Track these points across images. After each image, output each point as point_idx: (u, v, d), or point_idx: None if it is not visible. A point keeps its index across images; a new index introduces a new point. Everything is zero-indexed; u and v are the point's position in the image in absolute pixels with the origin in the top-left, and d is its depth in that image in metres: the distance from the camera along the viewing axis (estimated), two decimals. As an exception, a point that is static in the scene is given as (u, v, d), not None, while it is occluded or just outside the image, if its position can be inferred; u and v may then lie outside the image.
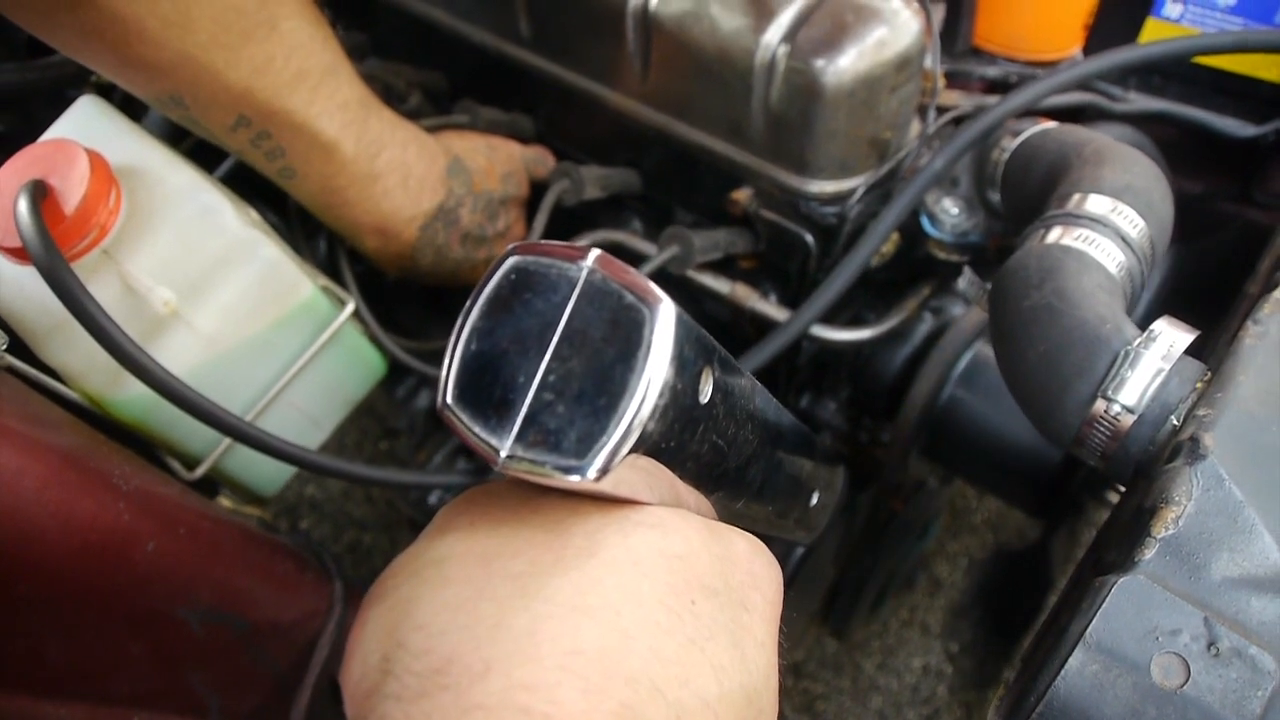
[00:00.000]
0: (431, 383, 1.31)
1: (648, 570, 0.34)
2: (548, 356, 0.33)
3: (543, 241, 0.35)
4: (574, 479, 0.31)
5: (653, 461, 0.34)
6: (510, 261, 0.35)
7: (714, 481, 0.40)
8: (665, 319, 0.32)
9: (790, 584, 0.98)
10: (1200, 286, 1.05)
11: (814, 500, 0.56)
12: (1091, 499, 1.08)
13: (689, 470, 0.37)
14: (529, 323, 0.34)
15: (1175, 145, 1.04)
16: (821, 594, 1.14)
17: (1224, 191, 1.14)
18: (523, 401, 0.33)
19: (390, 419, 1.76)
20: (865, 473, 1.04)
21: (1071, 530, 1.26)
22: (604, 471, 0.31)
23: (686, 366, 0.33)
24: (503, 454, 0.32)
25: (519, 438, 0.32)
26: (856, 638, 1.61)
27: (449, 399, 0.34)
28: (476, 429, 0.33)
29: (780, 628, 0.41)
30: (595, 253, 0.34)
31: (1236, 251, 0.90)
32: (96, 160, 0.68)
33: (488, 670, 0.30)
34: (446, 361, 0.35)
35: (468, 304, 0.35)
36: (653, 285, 0.33)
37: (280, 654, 0.78)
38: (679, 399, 0.33)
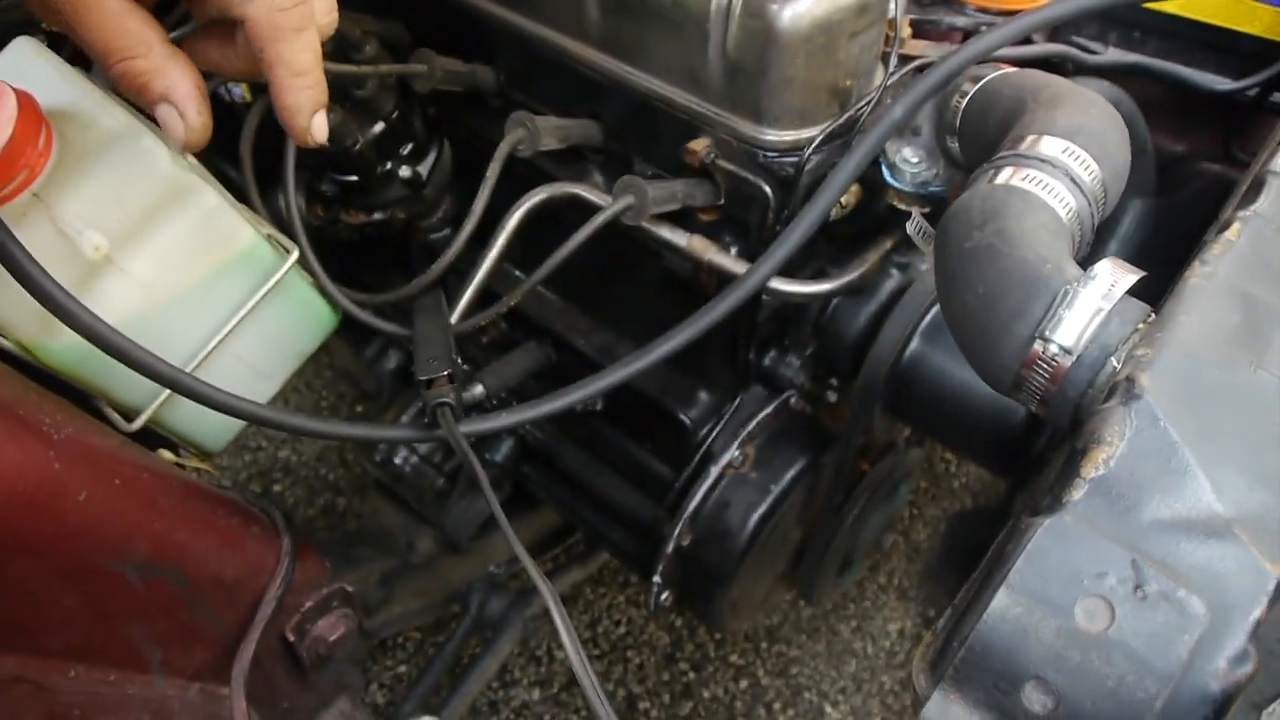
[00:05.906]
0: (398, 341, 1.30)
1: None
2: None
3: None
4: None
5: None
6: None
7: None
8: None
9: (753, 543, 0.97)
10: (1171, 242, 1.03)
11: None
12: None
13: None
14: None
15: (1156, 103, 1.02)
16: (787, 555, 1.13)
17: (1205, 150, 1.12)
18: None
19: (364, 382, 1.74)
20: (831, 432, 1.03)
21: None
22: None
23: None
24: None
25: None
26: (831, 601, 1.60)
27: None
28: None
29: None
30: None
31: (1210, 207, 0.88)
32: (25, 100, 0.66)
33: None
34: None
35: None
36: None
37: (224, 609, 0.77)
38: None
